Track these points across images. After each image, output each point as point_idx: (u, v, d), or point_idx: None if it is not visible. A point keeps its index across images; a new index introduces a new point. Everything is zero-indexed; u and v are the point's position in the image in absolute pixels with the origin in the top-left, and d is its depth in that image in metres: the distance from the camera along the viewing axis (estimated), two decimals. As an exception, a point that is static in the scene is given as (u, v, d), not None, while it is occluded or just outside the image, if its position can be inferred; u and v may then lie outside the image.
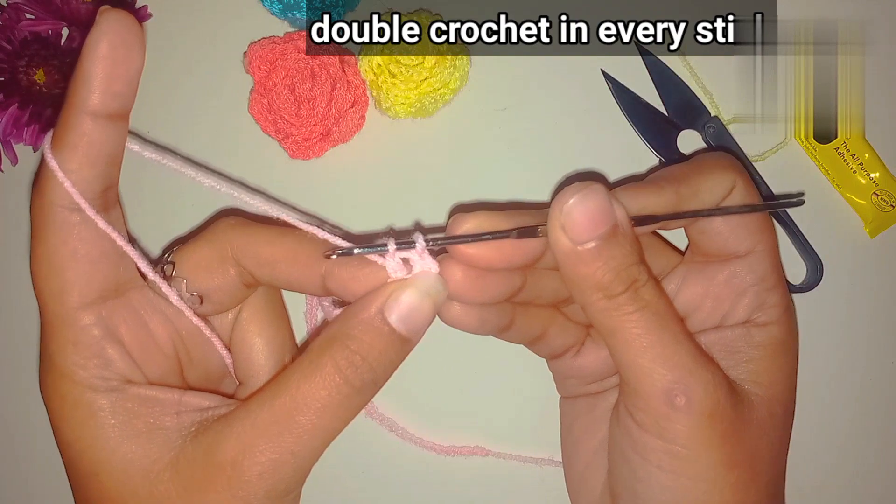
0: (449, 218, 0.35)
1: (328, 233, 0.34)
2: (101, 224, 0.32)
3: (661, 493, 0.34)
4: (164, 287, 0.35)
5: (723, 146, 0.47)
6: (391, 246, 0.33)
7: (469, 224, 0.33)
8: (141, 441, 0.33)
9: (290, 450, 0.32)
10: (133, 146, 0.33)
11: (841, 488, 0.47)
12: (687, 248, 0.40)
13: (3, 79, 0.46)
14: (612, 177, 0.47)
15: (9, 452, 0.48)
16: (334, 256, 0.33)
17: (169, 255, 0.36)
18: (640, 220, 0.34)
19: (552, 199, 0.33)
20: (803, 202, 0.38)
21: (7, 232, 0.48)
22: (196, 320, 0.36)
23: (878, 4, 0.48)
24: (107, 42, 0.30)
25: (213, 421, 0.33)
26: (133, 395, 0.33)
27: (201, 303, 0.36)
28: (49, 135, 0.32)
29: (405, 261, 0.33)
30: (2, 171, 0.47)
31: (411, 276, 0.33)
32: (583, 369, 0.41)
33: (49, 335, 0.33)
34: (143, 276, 0.35)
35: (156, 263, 0.36)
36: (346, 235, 0.35)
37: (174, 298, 0.35)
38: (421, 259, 0.33)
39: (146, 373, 0.35)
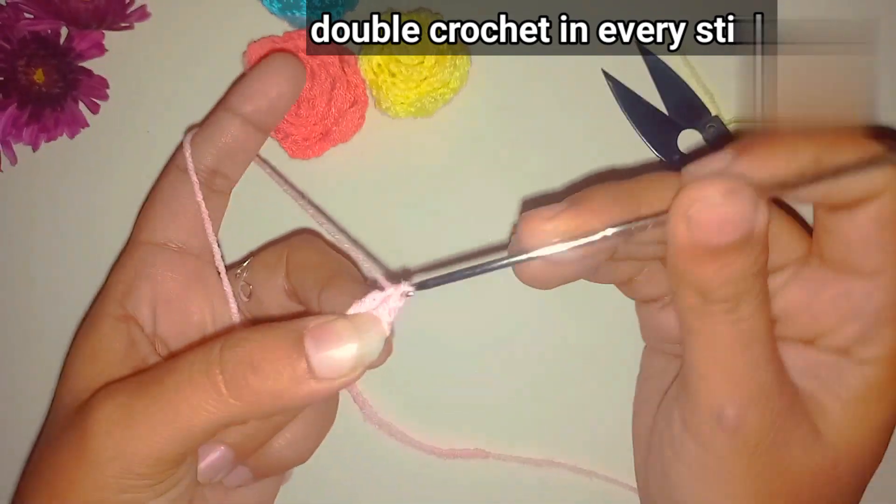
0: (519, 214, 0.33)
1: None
2: (195, 183, 0.38)
3: (688, 491, 0.32)
4: (217, 257, 0.38)
5: (724, 145, 0.47)
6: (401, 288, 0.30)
7: (547, 229, 0.29)
8: (98, 368, 0.34)
9: (133, 414, 0.29)
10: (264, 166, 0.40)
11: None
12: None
13: (1, 78, 0.46)
14: (613, 176, 0.47)
15: (8, 452, 0.48)
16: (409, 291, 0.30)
17: (245, 263, 0.40)
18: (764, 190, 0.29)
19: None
20: None
21: (6, 232, 0.48)
22: (234, 312, 0.37)
23: (883, 4, 0.48)
24: (283, 78, 0.38)
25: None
26: (127, 330, 0.35)
27: (250, 295, 0.38)
28: (192, 131, 0.39)
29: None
30: (0, 172, 0.47)
31: (358, 315, 0.29)
32: (662, 327, 0.38)
33: (120, 255, 0.39)
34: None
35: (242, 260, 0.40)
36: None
37: (223, 274, 0.38)
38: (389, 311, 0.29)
39: (160, 328, 0.37)
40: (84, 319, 0.38)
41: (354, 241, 0.38)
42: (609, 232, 0.29)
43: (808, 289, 0.33)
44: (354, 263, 0.39)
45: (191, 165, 0.37)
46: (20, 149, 0.47)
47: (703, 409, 0.30)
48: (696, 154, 0.47)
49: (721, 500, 0.32)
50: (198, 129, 0.38)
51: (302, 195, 0.42)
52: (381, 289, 0.30)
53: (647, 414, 0.38)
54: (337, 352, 0.28)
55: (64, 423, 0.33)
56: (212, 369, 0.29)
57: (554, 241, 0.29)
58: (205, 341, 0.37)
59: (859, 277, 0.31)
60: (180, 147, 0.39)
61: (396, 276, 0.31)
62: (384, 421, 0.46)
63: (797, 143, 0.29)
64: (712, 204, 0.27)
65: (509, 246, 0.33)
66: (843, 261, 0.31)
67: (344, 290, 0.34)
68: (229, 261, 0.44)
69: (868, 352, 0.31)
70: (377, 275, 0.30)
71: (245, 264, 0.39)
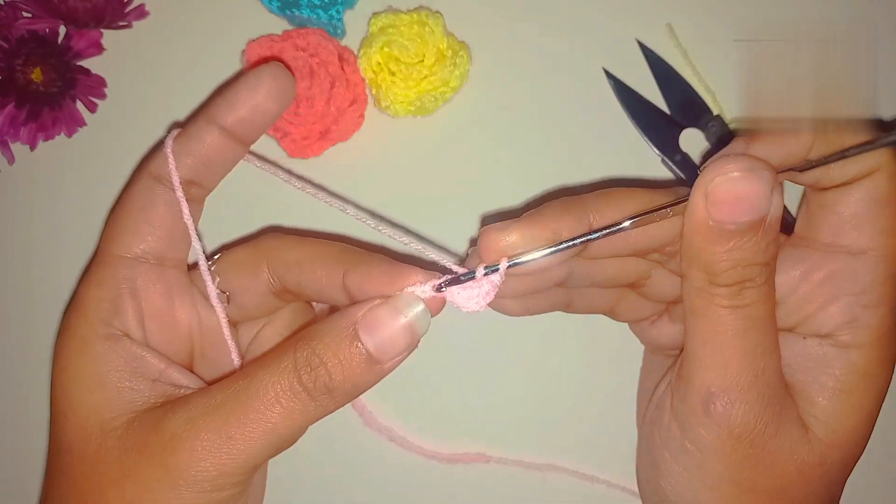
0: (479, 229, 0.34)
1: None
2: (178, 191, 0.35)
3: (672, 480, 0.33)
4: (205, 271, 0.36)
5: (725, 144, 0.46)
6: (480, 271, 0.32)
7: (504, 241, 0.31)
8: (110, 394, 0.33)
9: (230, 434, 0.31)
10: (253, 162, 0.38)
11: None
12: (795, 221, 0.36)
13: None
14: (614, 175, 0.47)
15: (8, 452, 0.47)
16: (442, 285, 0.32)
17: (215, 256, 0.39)
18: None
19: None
20: None
21: (5, 231, 0.48)
22: (221, 315, 0.37)
23: (883, 6, 0.48)
24: (266, 88, 0.35)
25: (180, 397, 0.34)
26: (125, 348, 0.34)
27: (228, 301, 0.37)
28: (176, 130, 0.37)
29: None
30: (-2, 171, 0.47)
31: (396, 296, 0.32)
32: (656, 340, 0.39)
33: (87, 271, 0.36)
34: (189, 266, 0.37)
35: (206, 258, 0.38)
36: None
37: (209, 284, 0.37)
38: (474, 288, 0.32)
39: (151, 341, 0.36)
40: (64, 341, 0.35)
41: (396, 226, 0.37)
42: (628, 222, 0.30)
43: (797, 271, 0.33)
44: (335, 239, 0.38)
45: (175, 176, 0.36)
46: (18, 148, 0.47)
47: (693, 394, 0.31)
48: (691, 169, 0.47)
49: (702, 491, 0.32)
50: (177, 136, 0.36)
51: (320, 188, 0.42)
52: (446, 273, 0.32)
53: (644, 408, 0.38)
54: (391, 336, 0.31)
55: (109, 454, 0.33)
56: (295, 386, 0.31)
57: (513, 252, 0.31)
58: (192, 347, 0.38)
59: (846, 256, 0.32)
60: (153, 153, 0.37)
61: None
62: (384, 426, 0.46)
63: (800, 133, 0.31)
64: (732, 180, 0.28)
65: (466, 260, 0.34)
66: (832, 239, 0.32)
67: (362, 266, 0.34)
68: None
69: (853, 336, 0.31)
70: (448, 263, 0.33)
71: (217, 257, 0.39)
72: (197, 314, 0.38)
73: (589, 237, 0.31)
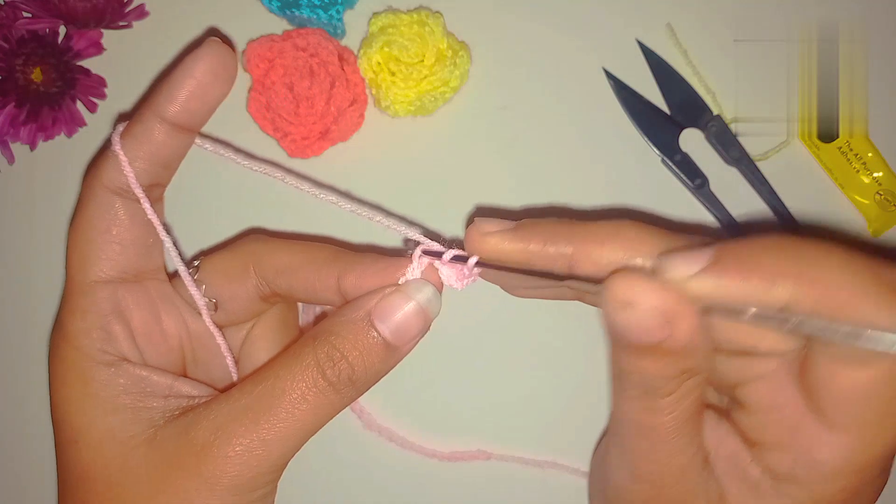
0: (469, 222, 0.34)
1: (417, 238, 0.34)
2: (147, 210, 0.34)
3: None
4: (189, 282, 0.36)
5: (727, 146, 0.46)
6: (448, 254, 0.33)
7: (489, 244, 0.32)
8: (124, 416, 0.33)
9: (262, 437, 0.31)
10: (206, 146, 0.36)
11: None
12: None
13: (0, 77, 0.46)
14: (614, 175, 0.47)
15: (7, 453, 0.47)
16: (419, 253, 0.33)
17: (196, 261, 0.38)
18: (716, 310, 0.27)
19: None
20: None
21: (4, 230, 0.48)
22: (209, 321, 0.37)
23: (880, 4, 0.48)
24: (203, 66, 0.33)
25: (197, 406, 0.34)
26: (128, 372, 0.34)
27: (216, 309, 0.37)
28: (120, 126, 0.35)
29: (429, 266, 0.33)
30: (-2, 171, 0.47)
31: (405, 283, 0.33)
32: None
33: (65, 301, 0.35)
34: (168, 274, 0.37)
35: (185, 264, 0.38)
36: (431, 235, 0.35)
37: (196, 295, 0.36)
38: (443, 266, 0.33)
39: (147, 358, 0.35)
40: (61, 374, 0.34)
41: (375, 207, 0.37)
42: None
43: (777, 396, 0.29)
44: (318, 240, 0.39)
45: (140, 192, 0.34)
46: (18, 148, 0.47)
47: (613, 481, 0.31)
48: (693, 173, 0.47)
49: None
50: (123, 136, 0.34)
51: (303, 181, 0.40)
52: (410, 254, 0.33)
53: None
54: (405, 322, 0.32)
55: (138, 473, 0.32)
56: (319, 382, 0.32)
57: (484, 253, 0.32)
58: (184, 356, 0.37)
59: (824, 421, 0.28)
60: (101, 160, 0.34)
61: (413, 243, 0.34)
62: (384, 427, 0.46)
63: (779, 273, 0.26)
64: (619, 307, 0.26)
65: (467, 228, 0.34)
66: (818, 401, 0.28)
67: (358, 267, 0.35)
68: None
69: (791, 491, 0.29)
70: (417, 235, 0.34)
71: (197, 264, 0.38)
72: (184, 322, 0.37)
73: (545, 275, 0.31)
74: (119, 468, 0.33)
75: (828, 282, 0.25)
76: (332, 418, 0.33)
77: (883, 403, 0.26)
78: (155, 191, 0.36)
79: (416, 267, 0.33)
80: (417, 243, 0.34)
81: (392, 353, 0.33)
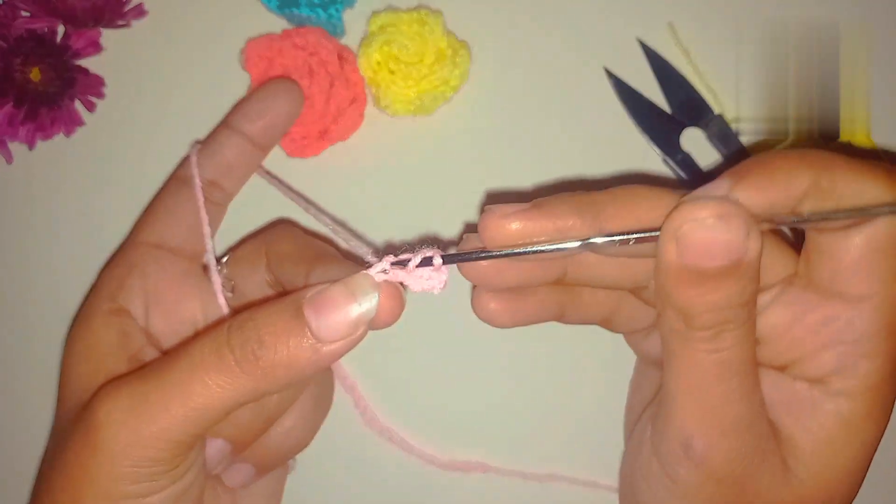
0: (481, 211, 0.32)
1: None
2: (197, 190, 0.39)
3: None
4: (210, 255, 0.39)
5: (729, 145, 0.46)
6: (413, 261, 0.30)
7: (506, 228, 0.30)
8: (94, 366, 0.35)
9: (148, 398, 0.30)
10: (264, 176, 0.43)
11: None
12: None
13: (-2, 77, 0.46)
14: (615, 175, 0.47)
15: (6, 453, 0.47)
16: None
17: (225, 257, 0.41)
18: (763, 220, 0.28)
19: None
20: None
21: (3, 231, 0.48)
22: (222, 301, 0.38)
23: (882, 3, 0.48)
24: (286, 103, 0.42)
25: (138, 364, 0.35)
26: (120, 323, 0.36)
27: (233, 291, 0.39)
28: (197, 145, 0.42)
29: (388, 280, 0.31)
30: (-4, 170, 0.47)
31: (349, 279, 0.30)
32: (649, 353, 0.38)
33: (115, 253, 0.40)
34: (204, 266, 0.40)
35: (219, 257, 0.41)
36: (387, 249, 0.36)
37: (213, 271, 0.38)
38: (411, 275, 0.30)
39: (151, 324, 0.37)
40: (76, 318, 0.38)
41: (341, 224, 0.38)
42: (600, 240, 0.29)
43: (792, 312, 0.31)
44: (336, 247, 0.41)
45: (196, 173, 0.39)
46: (16, 147, 0.47)
47: (673, 436, 0.30)
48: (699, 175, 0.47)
49: None
50: (202, 145, 0.41)
51: (290, 189, 0.44)
52: (369, 264, 0.31)
53: (632, 424, 0.38)
54: (335, 315, 0.29)
55: (69, 422, 0.33)
56: (222, 350, 0.30)
57: (512, 241, 0.30)
58: (199, 334, 0.37)
59: (844, 303, 0.30)
60: (184, 161, 0.41)
61: (383, 252, 0.33)
62: (385, 427, 0.45)
63: (794, 167, 0.28)
64: (704, 226, 0.27)
65: (460, 244, 0.33)
66: (830, 284, 0.30)
67: (329, 267, 0.35)
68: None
69: (844, 384, 0.30)
70: (364, 251, 0.32)
71: (225, 260, 0.41)
72: (202, 306, 0.39)
73: (563, 247, 0.30)
74: (63, 419, 0.34)
75: (832, 171, 0.28)
76: (235, 401, 0.30)
77: (890, 255, 0.29)
78: (217, 194, 0.41)
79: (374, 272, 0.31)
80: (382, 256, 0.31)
81: (313, 345, 0.30)
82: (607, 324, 0.37)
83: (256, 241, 0.41)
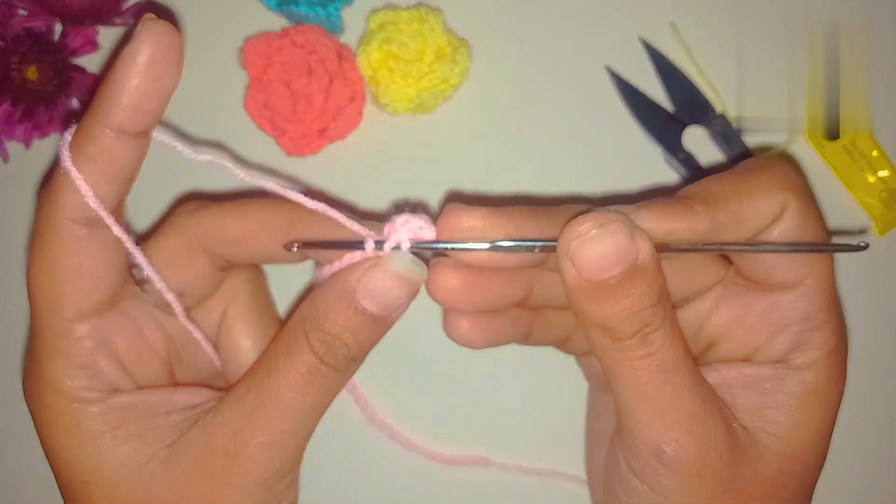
0: (442, 207, 0.33)
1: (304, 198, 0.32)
2: (122, 237, 0.31)
3: None
4: (164, 290, 0.34)
5: (731, 143, 0.46)
6: (368, 245, 0.32)
7: (465, 223, 0.31)
8: (132, 444, 0.32)
9: (280, 429, 0.32)
10: (160, 136, 0.32)
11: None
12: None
13: (-6, 75, 0.45)
14: (615, 175, 0.46)
15: (7, 453, 0.47)
16: (295, 249, 0.33)
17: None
18: (660, 248, 0.30)
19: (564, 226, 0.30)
20: (866, 247, 0.33)
21: (1, 230, 0.47)
22: (187, 323, 0.36)
23: (885, 2, 0.48)
24: (146, 55, 0.28)
25: (204, 413, 0.33)
26: (122, 402, 0.33)
27: (182, 298, 0.35)
28: (67, 141, 0.30)
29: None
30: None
31: (385, 256, 0.32)
32: (599, 377, 0.39)
33: (40, 344, 0.32)
34: (138, 282, 0.35)
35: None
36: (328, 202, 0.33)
37: (172, 300, 0.34)
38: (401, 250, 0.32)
39: (139, 379, 0.34)
40: (48, 419, 0.32)
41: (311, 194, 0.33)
42: (507, 243, 0.31)
43: (737, 307, 0.34)
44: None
45: (112, 222, 0.31)
46: (13, 146, 0.47)
47: (642, 449, 0.31)
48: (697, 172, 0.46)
49: None
50: (75, 154, 0.30)
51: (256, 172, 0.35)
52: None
53: (599, 452, 0.38)
54: (387, 291, 0.32)
55: (157, 490, 0.32)
56: (320, 368, 0.32)
57: (467, 235, 0.31)
58: (169, 359, 0.36)
59: (782, 290, 0.33)
60: (55, 188, 0.30)
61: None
62: (386, 423, 0.45)
63: (693, 203, 0.31)
64: (589, 239, 0.28)
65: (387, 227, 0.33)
66: (764, 278, 0.33)
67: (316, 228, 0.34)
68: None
69: (803, 357, 0.32)
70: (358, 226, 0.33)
71: (145, 275, 0.34)
72: (162, 327, 0.35)
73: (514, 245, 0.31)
74: (141, 495, 0.32)
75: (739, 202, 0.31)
76: (340, 391, 0.33)
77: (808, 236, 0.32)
78: (120, 208, 0.32)
79: (395, 236, 0.32)
80: (400, 213, 0.33)
81: (383, 323, 0.32)
82: (565, 345, 0.38)
83: (176, 237, 0.35)
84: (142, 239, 0.36)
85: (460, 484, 0.45)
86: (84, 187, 0.30)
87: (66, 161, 0.30)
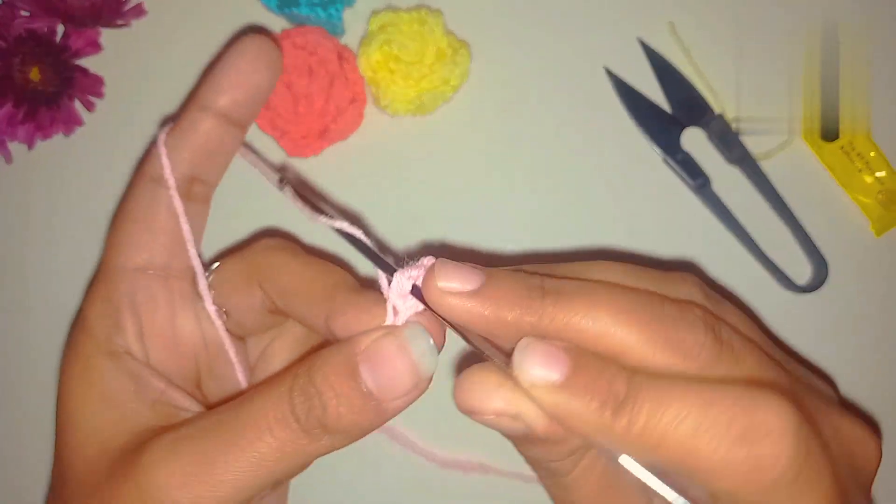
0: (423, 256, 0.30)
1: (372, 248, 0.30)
2: (174, 197, 0.33)
3: None
4: (201, 282, 0.34)
5: (729, 144, 0.46)
6: (385, 281, 0.29)
7: (446, 300, 0.28)
8: (114, 413, 0.31)
9: (212, 460, 0.29)
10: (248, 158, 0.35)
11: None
12: None
13: (-3, 76, 0.45)
14: (615, 174, 0.47)
15: (7, 454, 0.47)
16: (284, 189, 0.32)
17: (214, 264, 0.36)
18: None
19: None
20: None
21: (3, 231, 0.48)
22: (220, 328, 0.35)
23: (883, 3, 0.48)
24: (249, 58, 0.33)
25: (176, 422, 0.31)
26: (128, 366, 0.32)
27: (226, 318, 0.35)
28: (167, 126, 0.34)
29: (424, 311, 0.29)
30: (-5, 170, 0.47)
31: (401, 327, 0.29)
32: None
33: (90, 286, 0.34)
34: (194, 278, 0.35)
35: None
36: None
37: (206, 299, 0.34)
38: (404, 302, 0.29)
39: (152, 357, 0.34)
40: (69, 360, 0.33)
41: (354, 221, 0.32)
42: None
43: (602, 481, 0.31)
44: (336, 261, 0.36)
45: (170, 178, 0.33)
46: (16, 147, 0.47)
47: None
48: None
49: None
50: (169, 130, 0.34)
51: (276, 170, 0.36)
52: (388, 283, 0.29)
53: None
54: (393, 372, 0.28)
55: (104, 478, 0.30)
56: (287, 418, 0.29)
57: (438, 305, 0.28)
58: (198, 364, 0.35)
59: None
60: (149, 153, 0.34)
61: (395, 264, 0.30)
62: (386, 426, 0.45)
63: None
64: (475, 413, 0.29)
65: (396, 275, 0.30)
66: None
67: (350, 310, 0.31)
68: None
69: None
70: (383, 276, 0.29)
71: (209, 278, 0.36)
72: (200, 329, 0.35)
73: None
74: (90, 471, 0.31)
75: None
76: (300, 464, 0.30)
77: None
78: (197, 188, 0.34)
79: (406, 307, 0.29)
80: (396, 269, 0.29)
81: (374, 409, 0.29)
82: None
83: (242, 265, 0.35)
84: (226, 254, 0.36)
85: (459, 489, 0.45)
86: (161, 146, 0.33)
87: (161, 132, 0.34)
